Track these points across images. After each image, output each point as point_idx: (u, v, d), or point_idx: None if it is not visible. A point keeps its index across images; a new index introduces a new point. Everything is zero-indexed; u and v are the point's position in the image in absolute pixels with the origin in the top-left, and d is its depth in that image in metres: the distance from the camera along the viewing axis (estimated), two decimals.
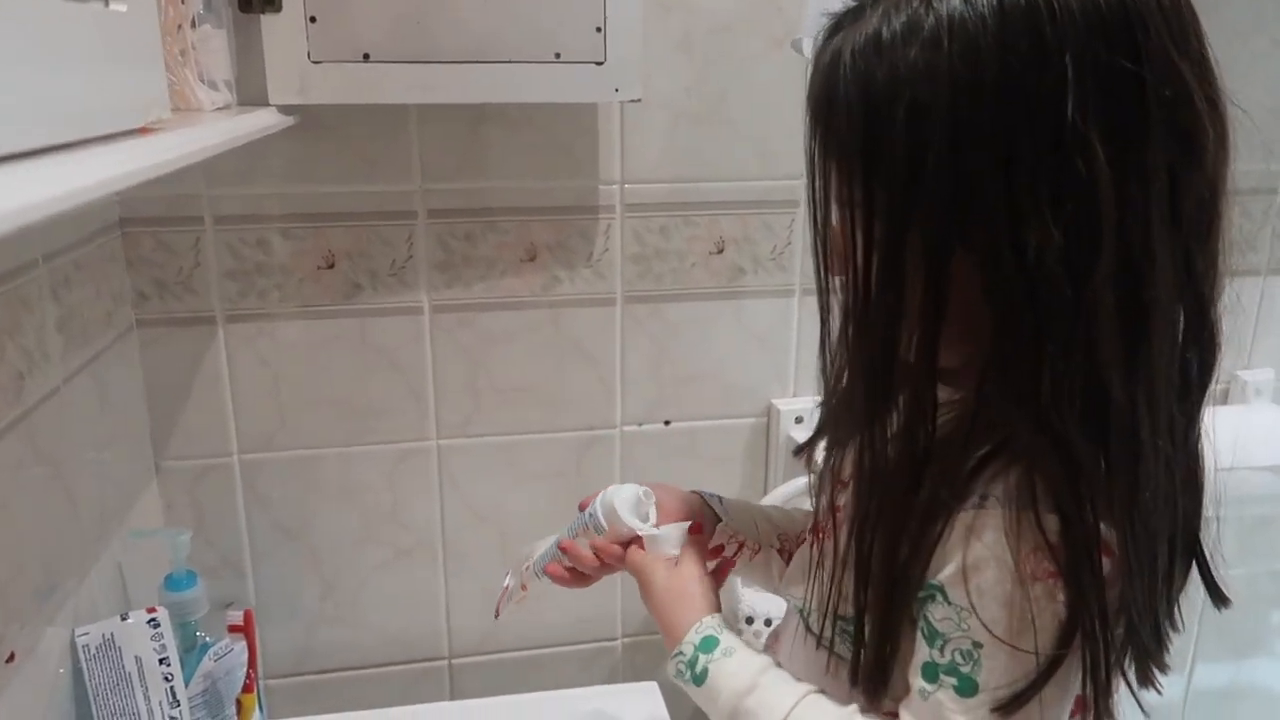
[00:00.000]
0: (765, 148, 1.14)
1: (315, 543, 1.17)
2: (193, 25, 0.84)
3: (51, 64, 0.47)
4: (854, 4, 0.55)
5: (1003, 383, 0.51)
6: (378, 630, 1.21)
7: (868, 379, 0.55)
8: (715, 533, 0.75)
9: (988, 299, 0.50)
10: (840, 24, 0.55)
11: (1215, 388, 0.56)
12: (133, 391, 1.05)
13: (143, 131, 0.59)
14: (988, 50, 0.47)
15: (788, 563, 0.77)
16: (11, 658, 0.73)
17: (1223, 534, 0.60)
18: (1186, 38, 0.49)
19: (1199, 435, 0.56)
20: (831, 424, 0.66)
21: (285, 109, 0.96)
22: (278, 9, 0.93)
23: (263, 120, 0.87)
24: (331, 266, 1.09)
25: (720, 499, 0.77)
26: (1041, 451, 0.50)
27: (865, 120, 0.51)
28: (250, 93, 0.96)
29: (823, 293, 0.59)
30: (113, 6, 0.55)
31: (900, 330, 0.53)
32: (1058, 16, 0.46)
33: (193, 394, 1.09)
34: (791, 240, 1.18)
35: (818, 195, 0.57)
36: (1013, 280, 0.49)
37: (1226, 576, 0.61)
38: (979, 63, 0.47)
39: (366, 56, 0.95)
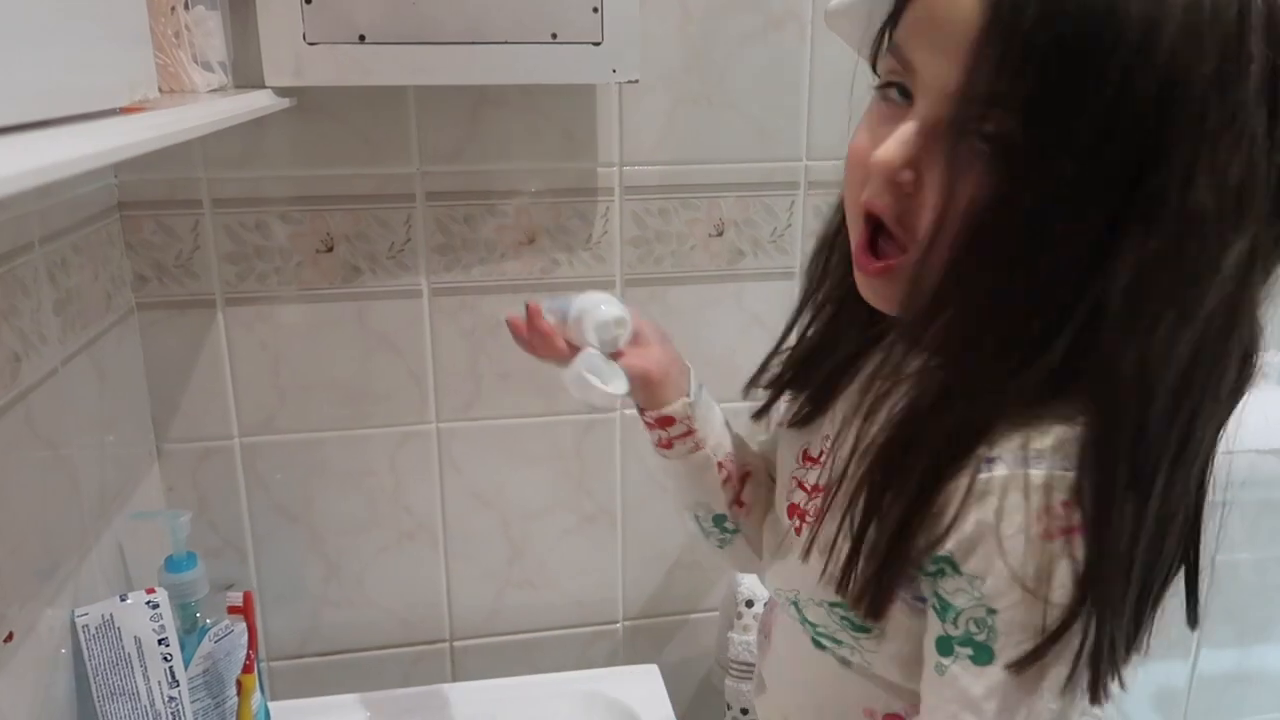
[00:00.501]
0: (765, 129, 1.13)
1: (317, 526, 1.17)
2: (186, 7, 0.84)
3: (33, 39, 0.47)
4: None
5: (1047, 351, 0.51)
6: (380, 612, 1.22)
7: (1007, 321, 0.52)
8: (678, 406, 0.74)
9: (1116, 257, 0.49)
10: None
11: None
12: (133, 374, 1.05)
13: (129, 110, 0.59)
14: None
15: (724, 482, 0.76)
16: (10, 637, 0.74)
17: (1230, 518, 0.60)
18: None
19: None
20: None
21: (281, 91, 0.96)
22: None
23: (256, 101, 0.87)
24: (330, 250, 1.09)
25: (701, 387, 0.76)
26: (1078, 413, 0.51)
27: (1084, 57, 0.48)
28: (247, 75, 0.96)
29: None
30: None
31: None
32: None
33: (193, 377, 1.09)
34: (792, 222, 1.17)
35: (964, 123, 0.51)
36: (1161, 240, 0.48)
37: (1233, 561, 0.60)
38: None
39: (362, 38, 0.95)
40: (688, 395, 0.74)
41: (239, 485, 1.14)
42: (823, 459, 0.68)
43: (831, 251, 0.69)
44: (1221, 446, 0.57)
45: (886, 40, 0.59)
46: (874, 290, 0.59)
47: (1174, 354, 0.49)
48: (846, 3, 0.64)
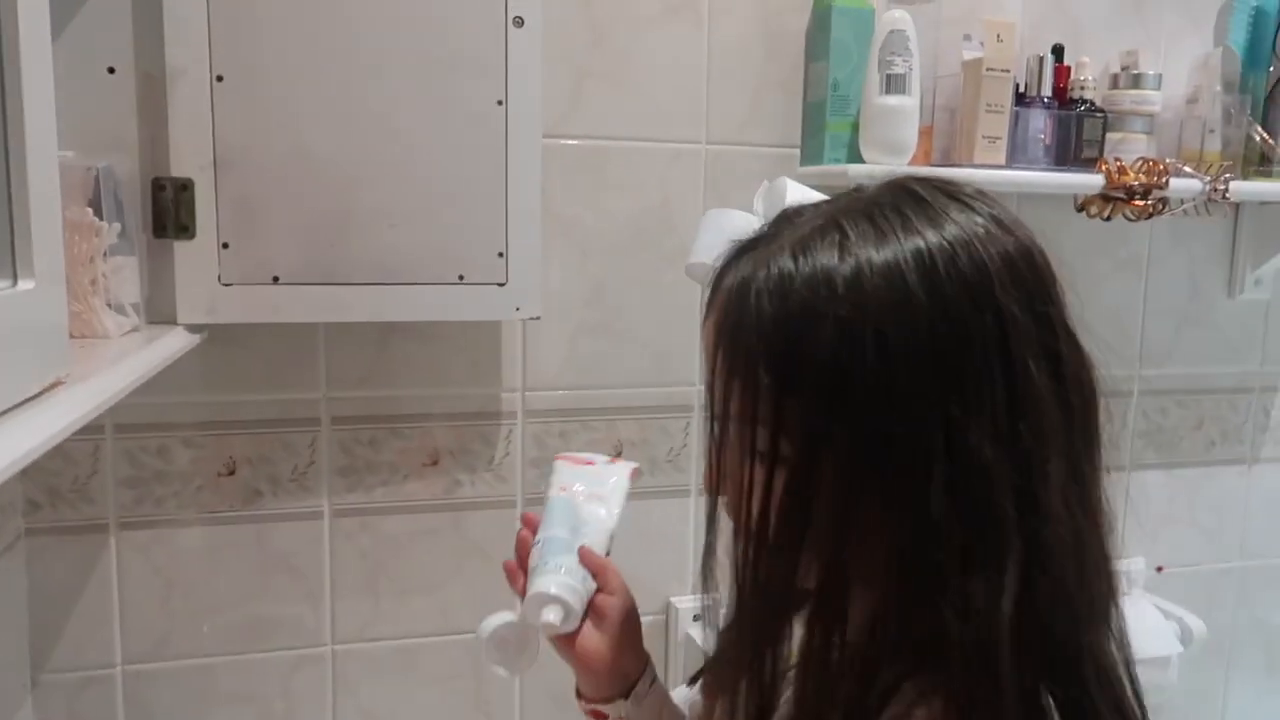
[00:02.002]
0: (661, 355, 1.20)
1: None
2: (105, 256, 0.88)
3: None
4: (760, 233, 0.56)
5: (905, 618, 0.52)
6: None
7: (764, 603, 0.54)
8: (613, 708, 0.70)
9: (911, 522, 0.50)
10: (747, 248, 0.55)
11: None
12: (14, 603, 1.02)
13: (45, 391, 0.61)
14: (918, 292, 0.49)
15: None
16: None
17: None
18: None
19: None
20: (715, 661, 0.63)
21: (193, 327, 0.99)
22: (191, 236, 0.98)
23: (171, 345, 0.90)
24: (232, 473, 1.10)
25: (654, 682, 0.73)
26: (965, 685, 0.50)
27: (785, 343, 0.51)
28: (160, 310, 0.99)
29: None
30: (20, 286, 0.58)
31: (799, 557, 0.52)
32: (983, 268, 0.51)
33: (79, 603, 1.07)
34: (687, 443, 1.23)
35: (718, 413, 0.55)
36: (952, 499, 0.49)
37: None
38: (909, 305, 0.49)
39: (276, 279, 1.00)
40: (626, 696, 0.70)
41: (117, 716, 1.09)
42: None
43: None
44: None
45: None
46: None
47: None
48: (698, 263, 0.65)
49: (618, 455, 0.75)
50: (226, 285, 0.99)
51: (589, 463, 0.78)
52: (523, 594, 0.69)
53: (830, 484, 0.51)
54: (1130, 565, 1.43)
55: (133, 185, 0.97)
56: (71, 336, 0.77)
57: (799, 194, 0.62)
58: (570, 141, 1.16)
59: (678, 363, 1.21)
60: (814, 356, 0.50)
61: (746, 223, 0.61)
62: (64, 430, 0.56)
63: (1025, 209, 1.33)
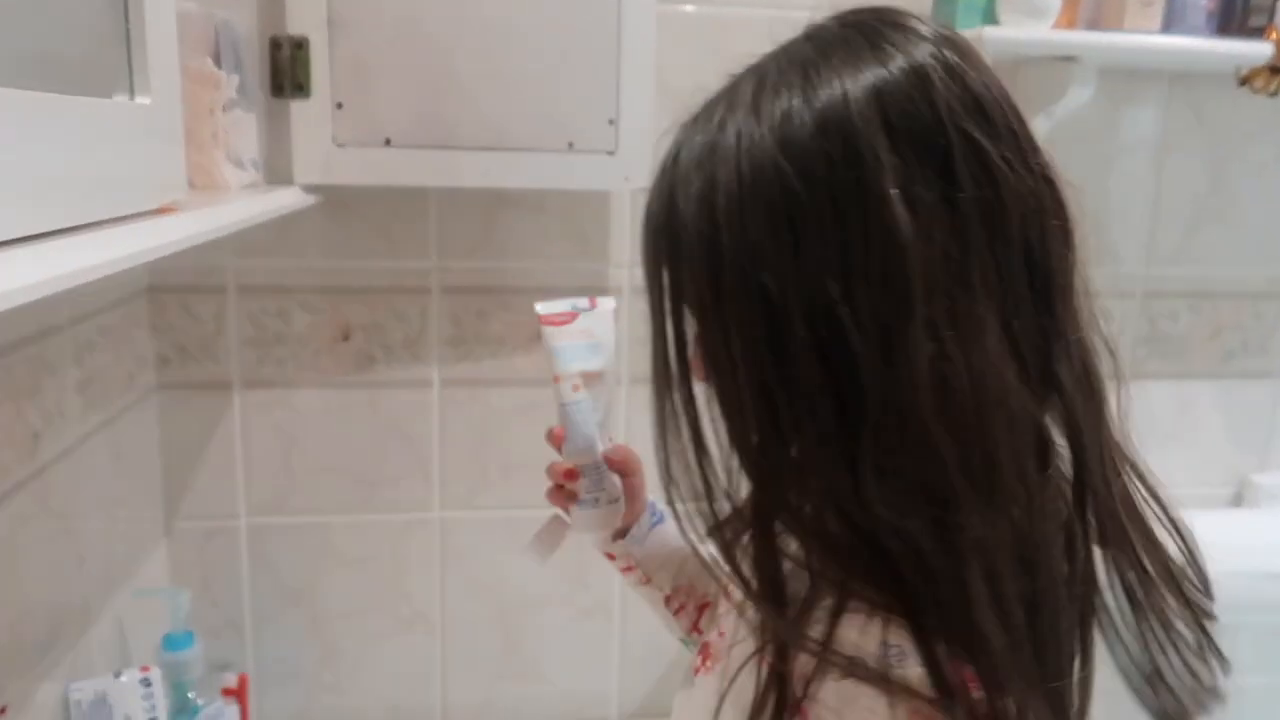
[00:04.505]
0: None
1: (317, 609, 1.18)
2: (225, 110, 0.89)
3: (81, 150, 0.51)
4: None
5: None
6: (374, 699, 1.21)
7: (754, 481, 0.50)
8: (615, 547, 0.74)
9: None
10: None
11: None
12: (148, 453, 1.08)
13: (163, 211, 0.63)
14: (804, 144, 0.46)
15: (676, 612, 0.75)
16: (3, 710, 0.75)
17: (1239, 641, 0.58)
18: (990, 120, 0.46)
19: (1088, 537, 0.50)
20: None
21: (309, 188, 1.01)
22: (306, 95, 0.99)
23: (284, 199, 0.92)
24: (347, 339, 1.12)
25: (657, 523, 0.75)
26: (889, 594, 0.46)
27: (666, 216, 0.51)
28: (278, 172, 1.01)
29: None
30: (138, 99, 0.59)
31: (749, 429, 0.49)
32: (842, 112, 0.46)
33: (206, 457, 1.12)
34: None
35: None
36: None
37: (1244, 685, 0.57)
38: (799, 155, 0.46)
39: (388, 141, 1.00)
40: (624, 536, 0.75)
41: (243, 565, 1.15)
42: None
43: None
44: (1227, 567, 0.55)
45: None
46: None
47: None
48: None
49: (593, 297, 0.74)
50: (340, 146, 1.00)
51: (573, 315, 0.75)
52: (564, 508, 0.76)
53: (726, 355, 0.48)
54: (1271, 479, 1.33)
55: (250, 43, 0.98)
56: (192, 186, 0.79)
57: None
58: (687, 8, 1.11)
59: None
60: (683, 226, 0.49)
61: None
62: (175, 243, 0.57)
63: (1178, 87, 1.22)
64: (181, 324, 1.09)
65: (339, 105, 0.99)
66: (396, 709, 1.22)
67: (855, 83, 0.46)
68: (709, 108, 0.51)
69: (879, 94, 0.46)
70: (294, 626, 1.18)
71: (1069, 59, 1.07)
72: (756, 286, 0.46)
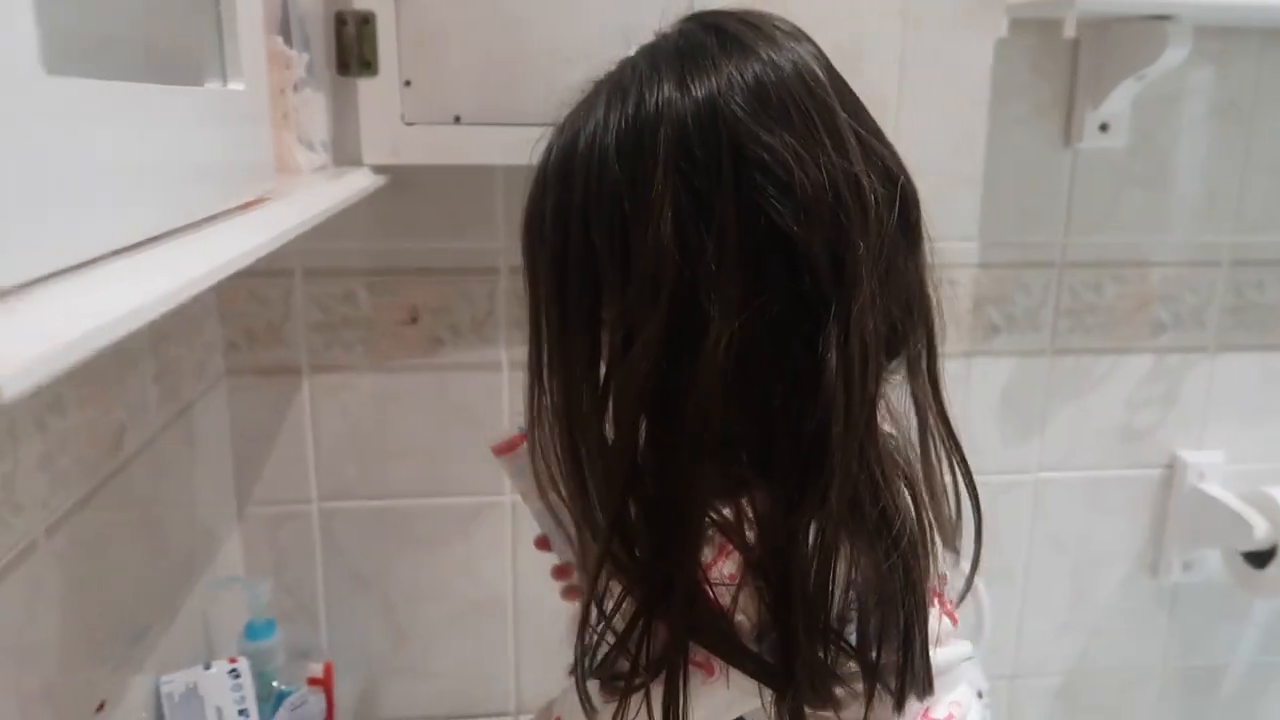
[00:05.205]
0: None
1: (388, 592, 1.17)
2: (295, 89, 0.87)
3: (182, 143, 0.48)
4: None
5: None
6: (446, 682, 1.21)
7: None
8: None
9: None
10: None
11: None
12: (220, 439, 1.08)
13: (250, 205, 0.61)
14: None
15: None
16: (101, 706, 0.75)
17: None
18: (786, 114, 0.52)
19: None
20: None
21: (377, 168, 0.98)
22: (374, 73, 0.96)
23: (359, 182, 0.89)
24: (414, 321, 1.10)
25: None
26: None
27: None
28: (344, 152, 0.99)
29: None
30: (231, 85, 0.57)
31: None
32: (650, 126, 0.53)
33: (276, 442, 1.11)
34: None
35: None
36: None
37: None
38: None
39: (457, 119, 0.98)
40: None
41: (315, 550, 1.15)
42: None
43: None
44: None
45: None
46: None
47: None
48: None
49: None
50: (409, 125, 0.97)
51: (521, 437, 0.76)
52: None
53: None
54: (1203, 457, 1.25)
55: (315, 20, 0.95)
56: None
57: None
58: None
59: None
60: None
61: None
62: (277, 239, 0.55)
63: (1270, 47, 1.16)
64: (249, 309, 1.07)
65: (407, 83, 0.96)
66: (469, 692, 1.22)
67: (659, 95, 0.54)
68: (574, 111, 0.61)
69: (676, 123, 0.52)
70: (366, 610, 1.18)
71: (1163, 18, 1.02)
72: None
